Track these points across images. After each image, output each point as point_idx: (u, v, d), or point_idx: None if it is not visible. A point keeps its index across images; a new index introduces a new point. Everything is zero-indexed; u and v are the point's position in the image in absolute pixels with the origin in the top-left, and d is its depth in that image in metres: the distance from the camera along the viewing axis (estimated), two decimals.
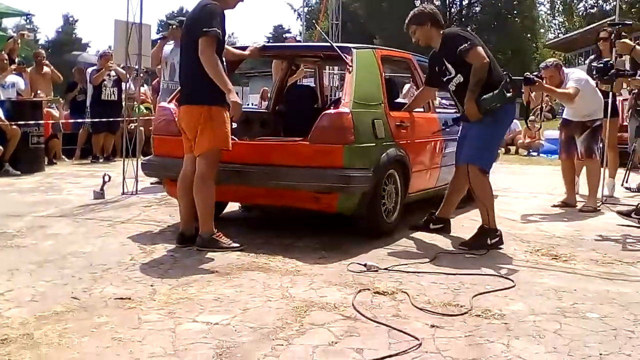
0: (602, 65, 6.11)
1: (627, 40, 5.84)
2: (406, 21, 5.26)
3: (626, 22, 7.30)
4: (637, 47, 5.62)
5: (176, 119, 5.01)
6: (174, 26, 7.36)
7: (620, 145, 11.59)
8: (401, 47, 7.21)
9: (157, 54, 7.64)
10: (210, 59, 4.44)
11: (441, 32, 5.14)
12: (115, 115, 10.56)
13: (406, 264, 4.40)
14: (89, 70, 11.44)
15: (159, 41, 7.74)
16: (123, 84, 10.52)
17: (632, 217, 6.19)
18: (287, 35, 12.19)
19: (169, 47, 7.48)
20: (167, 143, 5.31)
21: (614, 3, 34.29)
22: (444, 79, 5.18)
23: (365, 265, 4.28)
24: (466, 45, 4.85)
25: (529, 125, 10.56)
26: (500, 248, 4.95)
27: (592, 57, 8.34)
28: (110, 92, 11.13)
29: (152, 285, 3.82)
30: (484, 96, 4.87)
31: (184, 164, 4.81)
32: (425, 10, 5.29)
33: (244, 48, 5.62)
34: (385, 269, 4.26)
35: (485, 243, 4.93)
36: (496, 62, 5.08)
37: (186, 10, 75.09)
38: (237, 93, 4.70)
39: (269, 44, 7.99)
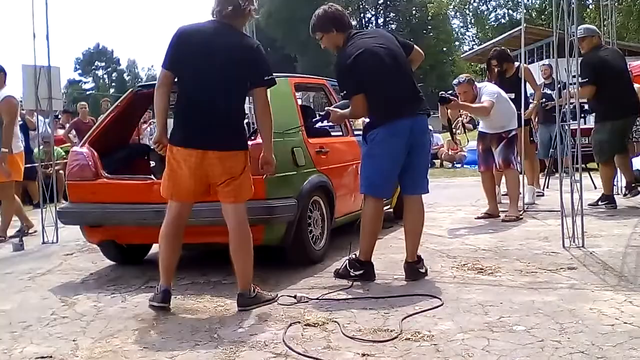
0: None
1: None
2: (310, 27, 4.80)
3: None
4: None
5: (90, 164, 4.90)
6: None
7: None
8: (323, 67, 7.27)
9: None
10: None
11: (350, 32, 4.72)
12: (25, 161, 10.16)
13: (336, 292, 4.38)
14: None
15: None
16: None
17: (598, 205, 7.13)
18: None
19: None
20: (82, 189, 5.16)
21: (523, 12, 35.59)
22: None
23: (295, 297, 4.23)
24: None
25: (455, 141, 10.76)
26: (367, 280, 4.62)
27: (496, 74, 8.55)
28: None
29: (74, 340, 3.67)
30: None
31: (178, 209, 4.23)
32: (327, 14, 4.73)
33: None
34: (316, 299, 4.22)
35: (348, 274, 4.68)
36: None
37: (103, 46, 74.48)
38: None
39: None
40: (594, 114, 8.19)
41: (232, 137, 4.14)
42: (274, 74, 4.23)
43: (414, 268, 4.69)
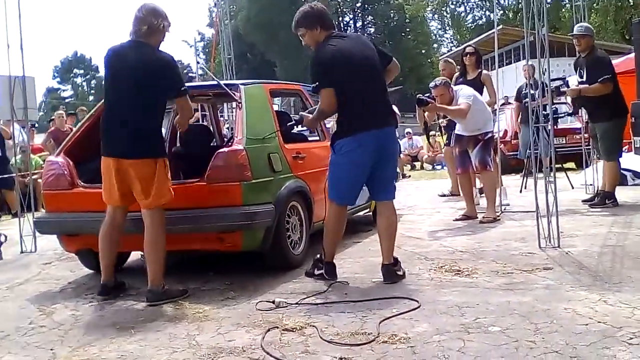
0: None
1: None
2: (294, 22, 4.79)
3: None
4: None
5: (66, 173, 4.90)
6: None
7: (514, 153, 12.12)
8: (303, 72, 7.30)
9: None
10: None
11: (332, 32, 4.73)
12: (2, 171, 10.10)
13: (314, 296, 4.40)
14: None
15: None
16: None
17: (606, 204, 7.29)
18: None
19: None
20: (59, 198, 5.15)
21: (500, 13, 35.79)
22: None
23: (273, 302, 4.25)
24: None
25: (430, 142, 10.87)
26: (330, 279, 4.73)
27: (457, 74, 8.64)
28: None
29: (51, 349, 3.66)
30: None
31: (112, 214, 4.67)
32: (314, 11, 4.74)
33: None
34: (295, 303, 4.24)
35: (313, 272, 4.92)
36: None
37: (81, 54, 74.10)
38: None
39: None
40: (587, 113, 8.23)
41: (141, 145, 4.51)
42: (246, 80, 4.35)
43: (391, 270, 4.73)
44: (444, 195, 9.61)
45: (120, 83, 4.56)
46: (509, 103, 14.87)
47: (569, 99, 9.13)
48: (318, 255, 4.91)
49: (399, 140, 13.58)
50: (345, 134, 4.60)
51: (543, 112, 6.29)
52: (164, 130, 6.06)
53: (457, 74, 8.65)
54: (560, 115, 9.70)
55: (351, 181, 4.72)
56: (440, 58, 41.96)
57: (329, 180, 4.84)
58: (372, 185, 4.82)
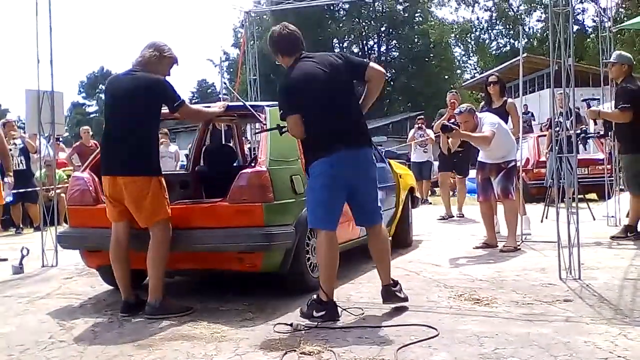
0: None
1: None
2: (272, 48, 4.69)
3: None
4: None
5: (91, 189, 4.96)
6: None
7: (536, 181, 12.07)
8: None
9: None
10: None
11: (300, 54, 4.60)
12: (26, 184, 10.23)
13: (332, 320, 4.39)
14: None
15: None
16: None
17: (628, 237, 7.17)
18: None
19: None
20: (82, 213, 5.21)
21: (524, 41, 35.80)
22: None
23: (291, 325, 4.24)
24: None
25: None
26: (331, 320, 4.37)
27: (482, 103, 8.66)
28: (17, 162, 10.76)
29: None
30: None
31: (115, 232, 4.81)
32: (272, 38, 4.68)
33: None
34: (313, 327, 4.23)
35: (311, 314, 4.43)
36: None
37: (107, 70, 74.71)
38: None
39: None
40: (618, 144, 8.18)
41: (134, 163, 4.69)
42: (271, 102, 4.37)
43: (390, 291, 4.63)
44: (444, 218, 10.45)
45: (115, 107, 4.86)
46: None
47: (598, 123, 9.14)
48: (315, 296, 4.51)
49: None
50: (314, 157, 4.47)
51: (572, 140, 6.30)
52: (186, 152, 6.13)
53: (482, 103, 8.67)
54: (590, 135, 9.68)
55: (327, 204, 4.46)
56: (462, 85, 42.04)
57: (307, 207, 4.65)
58: (353, 210, 4.69)
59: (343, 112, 4.51)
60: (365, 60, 4.87)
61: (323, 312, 4.40)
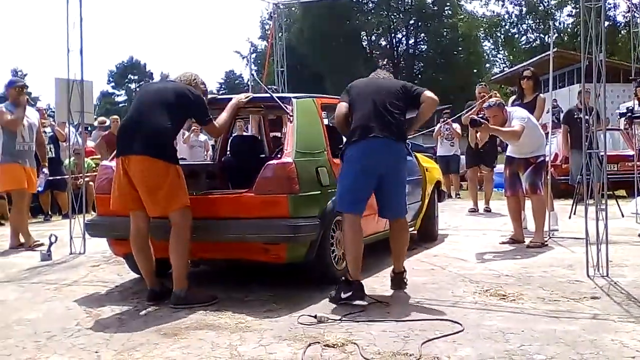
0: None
1: None
2: None
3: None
4: None
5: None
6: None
7: (564, 177, 11.91)
8: None
9: None
10: None
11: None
12: (55, 172, 10.32)
13: (357, 313, 4.38)
14: None
15: None
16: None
17: None
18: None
19: None
20: (110, 202, 5.24)
21: (555, 36, 35.39)
22: None
23: (315, 316, 4.25)
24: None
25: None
26: (358, 304, 4.52)
27: (513, 97, 8.53)
28: (47, 150, 10.83)
29: (96, 352, 3.73)
30: None
31: (134, 222, 4.81)
32: None
33: None
34: (337, 319, 4.23)
35: (339, 297, 4.62)
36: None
37: (136, 59, 75.27)
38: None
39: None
40: None
41: (153, 145, 4.65)
42: (298, 94, 4.45)
43: (399, 278, 5.04)
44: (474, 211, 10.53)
45: (142, 99, 4.98)
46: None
47: None
48: (343, 278, 4.78)
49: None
50: (347, 143, 4.79)
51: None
52: (213, 142, 6.14)
53: (513, 97, 8.55)
54: (637, 114, 9.48)
55: (352, 188, 4.74)
56: (491, 79, 41.72)
57: (337, 191, 4.93)
58: (379, 201, 4.93)
59: (374, 108, 4.77)
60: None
61: (350, 293, 4.57)
